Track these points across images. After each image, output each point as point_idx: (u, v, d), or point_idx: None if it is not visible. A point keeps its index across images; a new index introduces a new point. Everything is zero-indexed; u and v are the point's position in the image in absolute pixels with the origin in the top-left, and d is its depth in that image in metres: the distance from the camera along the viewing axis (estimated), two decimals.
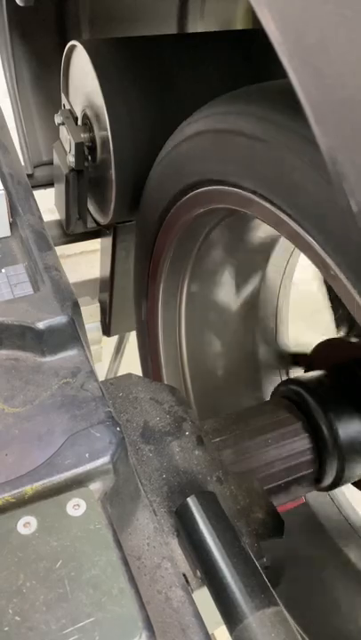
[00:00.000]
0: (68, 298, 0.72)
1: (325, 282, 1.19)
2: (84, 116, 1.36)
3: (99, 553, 0.50)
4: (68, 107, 1.46)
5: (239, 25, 1.74)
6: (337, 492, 1.34)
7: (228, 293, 1.39)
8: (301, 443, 0.93)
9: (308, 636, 1.17)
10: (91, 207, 1.54)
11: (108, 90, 1.20)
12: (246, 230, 1.28)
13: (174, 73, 1.26)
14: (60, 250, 1.61)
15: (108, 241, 1.62)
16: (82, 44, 1.27)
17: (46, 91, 1.63)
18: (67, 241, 1.74)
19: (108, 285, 1.73)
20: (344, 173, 0.39)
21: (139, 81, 1.23)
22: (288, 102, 0.75)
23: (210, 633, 0.58)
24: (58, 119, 1.43)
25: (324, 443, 0.92)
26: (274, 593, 0.56)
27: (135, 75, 1.23)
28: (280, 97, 0.79)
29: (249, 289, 1.41)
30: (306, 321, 1.73)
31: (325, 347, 1.14)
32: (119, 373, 2.30)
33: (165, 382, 1.39)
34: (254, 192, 0.80)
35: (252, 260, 1.37)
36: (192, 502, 0.63)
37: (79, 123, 1.40)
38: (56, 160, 1.52)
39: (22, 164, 1.37)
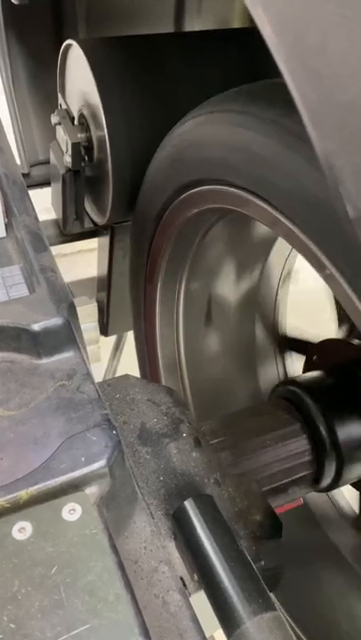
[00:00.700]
0: (63, 299, 0.71)
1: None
2: (81, 116, 1.36)
3: (94, 558, 0.49)
4: (64, 106, 1.46)
5: (236, 23, 1.74)
6: None
7: (226, 292, 1.39)
8: (300, 444, 0.92)
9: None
10: (88, 207, 1.53)
11: (104, 89, 1.20)
12: (245, 227, 1.27)
13: (171, 72, 1.25)
14: (57, 249, 1.60)
15: (105, 240, 1.61)
16: (78, 43, 1.27)
17: (43, 90, 1.62)
18: (63, 240, 1.73)
19: (105, 285, 1.72)
20: (341, 178, 0.39)
21: (135, 80, 1.22)
22: (284, 100, 0.75)
23: (208, 636, 0.58)
24: (54, 119, 1.42)
25: (322, 444, 0.92)
26: (272, 597, 0.55)
27: (132, 74, 1.22)
28: (276, 95, 0.79)
29: (248, 286, 1.40)
30: (306, 319, 1.73)
31: (325, 347, 1.14)
32: (118, 372, 2.30)
33: (163, 383, 1.38)
34: (250, 192, 0.80)
35: (252, 258, 1.37)
36: (189, 505, 0.63)
37: (76, 122, 1.39)
38: (53, 160, 1.51)
39: (18, 163, 1.37)
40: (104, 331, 1.89)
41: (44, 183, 1.75)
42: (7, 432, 0.60)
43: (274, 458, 0.89)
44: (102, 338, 1.94)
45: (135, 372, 1.41)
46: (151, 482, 0.73)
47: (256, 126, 0.76)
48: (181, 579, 0.61)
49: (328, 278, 0.67)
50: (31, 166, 1.77)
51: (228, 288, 1.38)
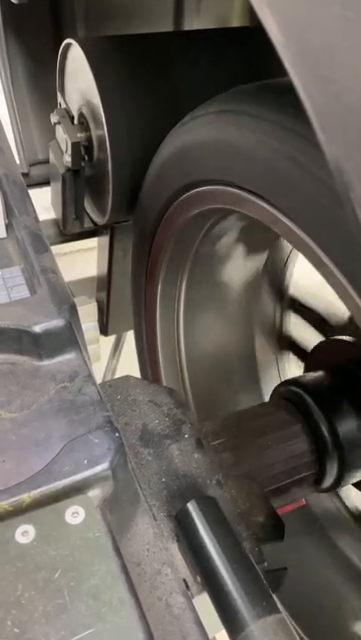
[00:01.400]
0: (64, 301, 0.71)
1: None
2: (81, 115, 1.35)
3: (98, 562, 0.49)
4: (64, 106, 1.45)
5: (236, 22, 1.73)
6: None
7: (227, 291, 1.38)
8: (301, 444, 0.92)
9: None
10: (88, 207, 1.53)
11: (104, 88, 1.19)
12: (247, 226, 1.27)
13: (171, 71, 1.25)
14: (57, 248, 1.60)
15: (105, 240, 1.61)
16: (77, 42, 1.26)
17: (42, 89, 1.62)
18: (63, 240, 1.73)
19: (105, 285, 1.72)
20: (351, 183, 0.38)
21: (135, 79, 1.21)
22: (285, 101, 0.74)
23: (211, 637, 0.58)
24: (54, 118, 1.42)
25: (324, 444, 0.91)
26: (276, 599, 0.55)
27: (132, 73, 1.22)
28: (277, 95, 0.78)
29: (250, 288, 1.40)
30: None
31: (325, 347, 1.14)
32: (118, 371, 2.29)
33: (164, 383, 1.38)
34: (251, 191, 0.80)
35: (253, 256, 1.36)
36: (192, 507, 0.62)
37: (75, 122, 1.39)
38: (52, 159, 1.51)
39: (18, 162, 1.36)
40: (104, 330, 1.89)
41: (44, 183, 1.74)
42: (9, 434, 0.60)
43: (275, 459, 0.89)
44: (101, 337, 1.94)
45: (134, 371, 1.41)
46: (153, 483, 0.73)
47: (256, 126, 0.76)
48: (184, 581, 0.61)
49: (329, 277, 0.67)
50: (30, 166, 1.76)
51: (229, 288, 1.37)
